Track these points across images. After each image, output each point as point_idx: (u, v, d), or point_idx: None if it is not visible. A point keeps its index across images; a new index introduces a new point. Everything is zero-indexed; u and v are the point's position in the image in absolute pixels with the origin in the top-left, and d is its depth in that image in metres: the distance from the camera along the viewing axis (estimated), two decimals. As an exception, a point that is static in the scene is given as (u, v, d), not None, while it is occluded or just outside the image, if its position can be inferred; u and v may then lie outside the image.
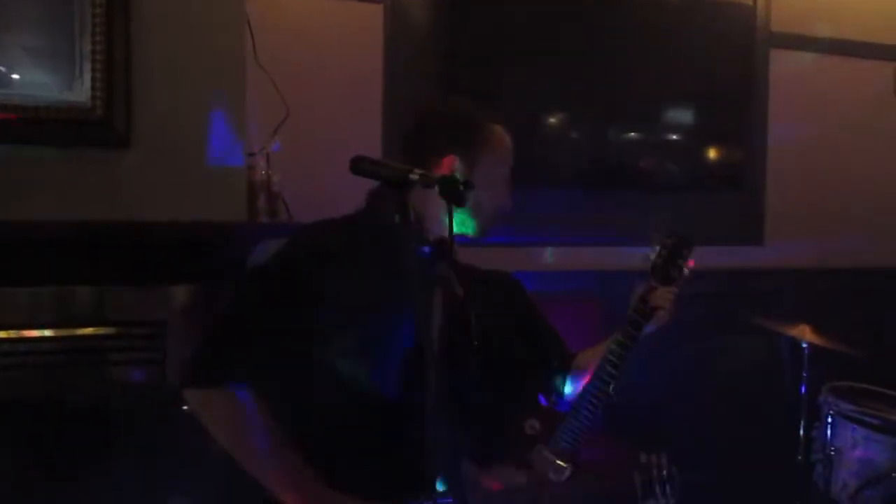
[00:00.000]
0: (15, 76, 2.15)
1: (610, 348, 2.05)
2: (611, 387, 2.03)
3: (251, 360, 1.60)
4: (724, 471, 3.03)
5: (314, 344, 1.62)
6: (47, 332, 2.29)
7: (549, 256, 3.33)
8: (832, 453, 2.80)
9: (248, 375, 1.59)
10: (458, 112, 1.85)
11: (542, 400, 2.31)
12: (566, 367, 2.27)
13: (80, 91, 2.21)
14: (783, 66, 3.61)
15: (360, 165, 1.42)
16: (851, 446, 2.77)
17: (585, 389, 2.06)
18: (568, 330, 3.06)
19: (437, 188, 1.39)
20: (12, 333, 2.27)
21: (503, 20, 3.24)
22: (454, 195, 1.40)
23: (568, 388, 2.26)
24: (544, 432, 2.04)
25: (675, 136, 3.61)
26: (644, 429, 2.72)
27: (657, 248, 2.11)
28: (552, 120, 3.48)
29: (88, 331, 2.32)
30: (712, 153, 3.68)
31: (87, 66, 2.21)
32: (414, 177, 1.38)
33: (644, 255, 2.12)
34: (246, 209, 2.44)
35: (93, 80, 2.22)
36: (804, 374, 2.90)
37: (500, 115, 1.86)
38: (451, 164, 1.79)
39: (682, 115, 3.62)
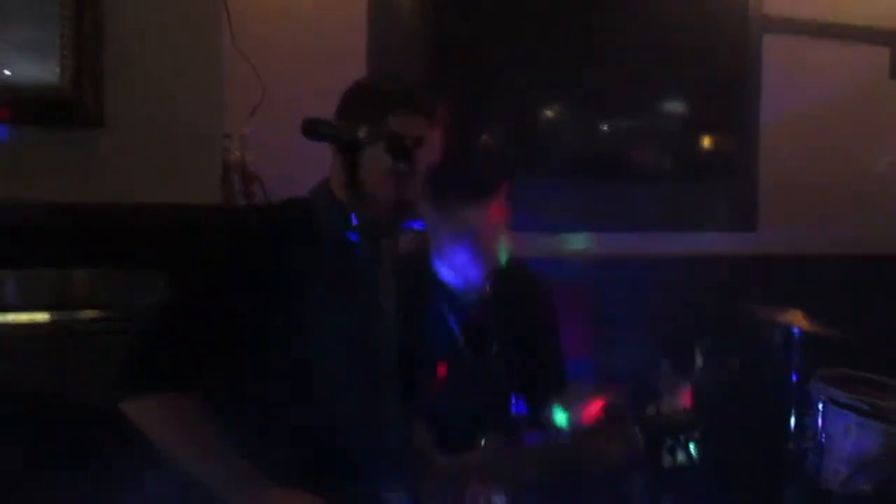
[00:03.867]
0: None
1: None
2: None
3: (179, 365, 1.55)
4: (713, 458, 2.98)
5: (246, 344, 1.58)
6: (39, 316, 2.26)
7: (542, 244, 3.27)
8: (823, 441, 2.75)
9: (178, 381, 1.55)
10: (357, 92, 1.70)
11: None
12: (555, 394, 2.10)
13: (50, 70, 2.17)
14: (776, 50, 3.55)
15: (313, 128, 1.36)
16: (843, 433, 2.71)
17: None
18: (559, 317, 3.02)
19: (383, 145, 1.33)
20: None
21: (492, 4, 3.19)
22: (399, 151, 1.33)
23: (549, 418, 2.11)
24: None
25: (666, 124, 3.56)
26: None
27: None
28: (542, 109, 3.43)
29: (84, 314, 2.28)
30: (705, 140, 3.62)
31: (57, 44, 2.17)
32: (362, 133, 1.32)
33: None
34: (220, 191, 2.39)
35: (62, 57, 2.17)
36: (795, 361, 2.84)
37: (427, 102, 1.68)
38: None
39: (674, 103, 3.57)
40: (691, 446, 1.85)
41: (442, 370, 1.99)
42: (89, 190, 2.24)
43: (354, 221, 1.64)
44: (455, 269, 2.04)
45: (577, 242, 3.26)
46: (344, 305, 1.67)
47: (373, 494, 1.58)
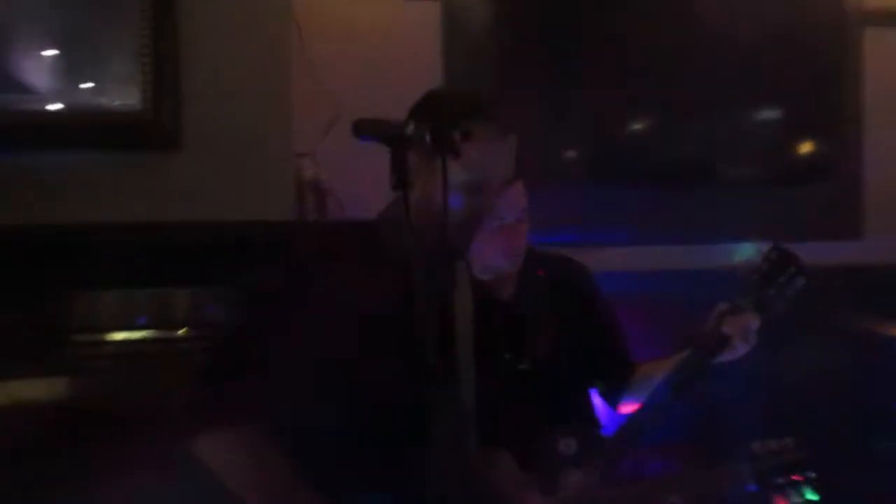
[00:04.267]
0: (64, 83, 2.20)
1: (668, 375, 1.86)
2: (657, 418, 1.84)
3: (260, 396, 1.49)
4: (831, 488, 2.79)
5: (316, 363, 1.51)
6: (136, 334, 2.34)
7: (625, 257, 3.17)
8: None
9: (248, 411, 1.49)
10: (428, 102, 1.66)
11: (599, 412, 2.16)
12: (624, 379, 2.09)
13: (131, 95, 2.25)
14: (879, 45, 3.33)
15: (360, 126, 1.32)
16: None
17: (633, 417, 1.90)
18: (645, 333, 2.91)
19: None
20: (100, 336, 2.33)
21: (563, 13, 3.13)
22: (445, 141, 1.29)
23: (621, 403, 2.10)
24: (580, 454, 1.84)
25: (758, 128, 3.39)
26: (717, 440, 2.54)
27: (758, 260, 1.86)
28: (624, 116, 3.33)
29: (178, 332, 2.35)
30: (800, 143, 3.43)
31: (137, 70, 2.25)
32: (409, 129, 1.27)
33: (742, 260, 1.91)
34: (295, 208, 2.43)
35: (142, 83, 2.25)
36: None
37: (494, 115, 1.62)
38: (424, 153, 1.53)
39: (766, 105, 3.40)
40: (807, 484, 1.73)
41: (496, 379, 1.91)
42: (169, 209, 2.31)
43: (422, 240, 1.58)
44: (492, 265, 1.95)
45: (666, 254, 3.13)
46: (412, 326, 1.59)
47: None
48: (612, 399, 2.10)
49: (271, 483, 1.48)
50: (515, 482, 1.73)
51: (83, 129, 2.21)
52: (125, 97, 2.25)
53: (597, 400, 2.12)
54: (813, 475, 1.72)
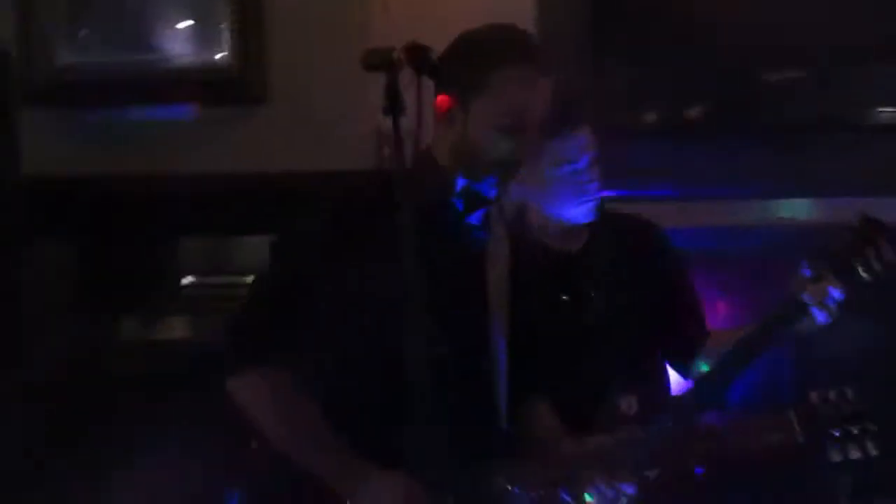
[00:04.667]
0: (155, 42, 2.39)
1: (740, 341, 1.74)
2: (723, 391, 1.76)
3: (287, 339, 1.52)
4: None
5: (344, 317, 1.53)
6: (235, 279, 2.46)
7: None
8: None
9: (280, 355, 1.51)
10: (464, 43, 1.56)
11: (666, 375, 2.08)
12: (695, 347, 1.99)
13: (218, 52, 2.40)
14: None
15: (363, 59, 1.31)
16: None
17: (700, 382, 1.82)
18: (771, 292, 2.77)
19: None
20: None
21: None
22: (421, 62, 1.28)
23: (692, 371, 1.99)
24: (641, 415, 1.75)
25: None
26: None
27: (846, 228, 1.70)
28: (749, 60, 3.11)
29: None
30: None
31: (224, 28, 2.40)
32: (396, 55, 1.27)
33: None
34: (374, 159, 2.50)
35: (230, 41, 2.40)
36: None
37: (533, 51, 1.55)
38: (444, 106, 1.52)
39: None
40: (864, 438, 1.62)
41: (559, 338, 1.88)
42: (254, 161, 2.46)
43: (458, 186, 1.57)
44: (568, 212, 1.95)
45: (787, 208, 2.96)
46: (448, 276, 1.57)
47: (477, 477, 1.53)
48: (683, 367, 2.02)
49: (296, 423, 1.50)
50: (553, 435, 1.71)
51: (177, 86, 2.39)
52: (215, 56, 2.40)
53: (666, 365, 2.06)
54: (873, 427, 1.60)
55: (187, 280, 2.70)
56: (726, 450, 1.64)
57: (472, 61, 1.51)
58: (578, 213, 1.94)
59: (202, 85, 2.40)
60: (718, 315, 2.62)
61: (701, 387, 1.80)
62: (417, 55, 1.29)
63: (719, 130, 3.10)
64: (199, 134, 2.46)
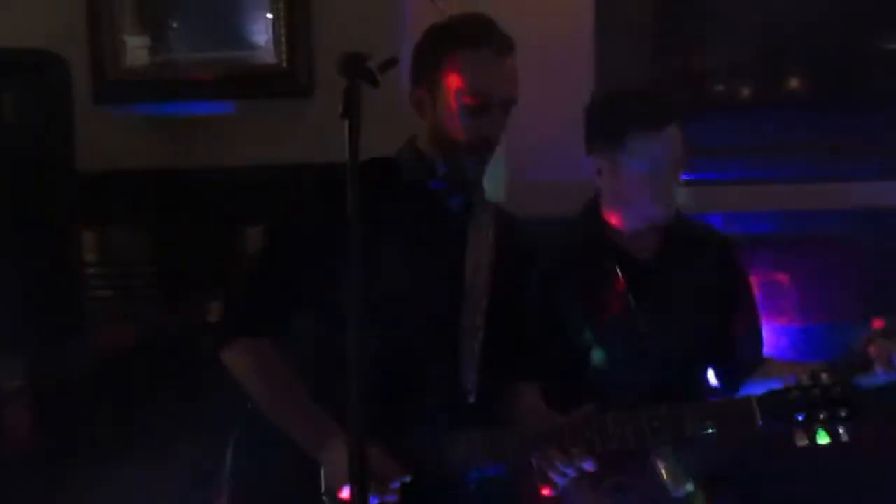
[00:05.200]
0: (206, 39, 2.51)
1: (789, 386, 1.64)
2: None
3: (273, 313, 1.64)
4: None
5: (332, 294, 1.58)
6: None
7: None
8: None
9: (271, 328, 1.64)
10: (429, 34, 1.69)
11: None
12: (746, 371, 1.96)
13: (265, 48, 2.50)
14: None
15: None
16: None
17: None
18: (818, 280, 2.66)
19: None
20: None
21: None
22: (360, 71, 1.31)
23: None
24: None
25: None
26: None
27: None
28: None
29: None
30: None
31: (271, 24, 2.49)
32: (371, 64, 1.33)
33: None
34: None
35: (276, 36, 2.49)
36: None
37: (494, 34, 1.64)
38: (417, 98, 1.69)
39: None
40: (834, 423, 1.54)
41: (606, 332, 1.91)
42: (301, 153, 2.55)
43: (440, 170, 1.68)
44: (630, 214, 1.94)
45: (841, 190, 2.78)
46: (432, 255, 1.68)
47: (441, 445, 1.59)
48: (730, 387, 1.98)
49: (275, 388, 1.62)
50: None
51: (226, 81, 2.51)
52: (263, 51, 2.50)
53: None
54: (843, 413, 1.51)
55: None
56: (683, 431, 1.59)
57: (435, 48, 1.65)
58: (654, 215, 1.91)
59: (249, 80, 2.51)
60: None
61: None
62: (351, 64, 1.33)
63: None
64: (252, 126, 2.58)
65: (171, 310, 2.76)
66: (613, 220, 1.96)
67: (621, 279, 1.92)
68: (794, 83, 3.01)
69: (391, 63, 1.37)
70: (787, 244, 2.70)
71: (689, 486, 1.73)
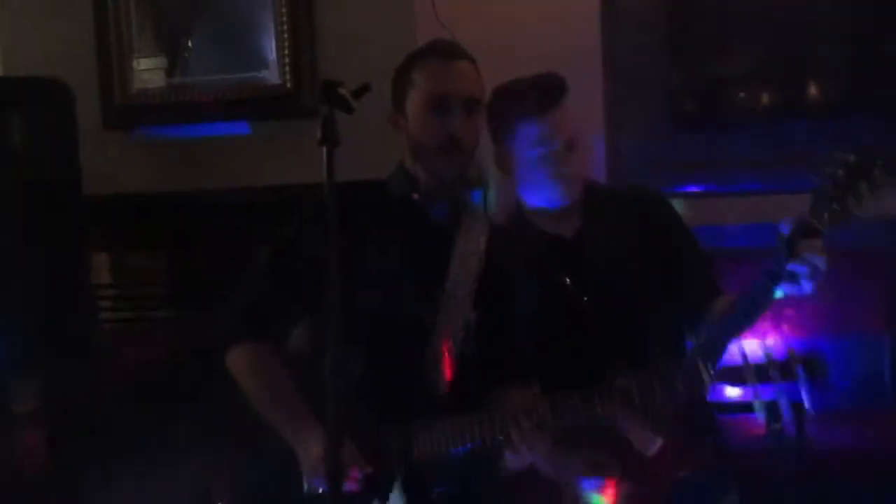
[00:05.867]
0: (211, 63, 2.53)
1: (734, 304, 1.65)
2: (715, 360, 1.65)
3: (271, 319, 1.74)
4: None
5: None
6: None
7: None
8: None
9: (269, 333, 1.74)
10: (399, 65, 1.81)
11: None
12: (700, 308, 1.87)
13: (271, 70, 2.52)
14: None
15: None
16: None
17: (695, 349, 1.73)
18: (854, 292, 2.58)
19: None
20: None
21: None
22: (333, 99, 1.35)
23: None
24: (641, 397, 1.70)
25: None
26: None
27: (830, 165, 1.49)
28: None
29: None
30: None
31: (277, 48, 2.51)
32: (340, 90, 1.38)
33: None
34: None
35: (280, 58, 2.51)
36: None
37: (441, 44, 1.80)
38: (393, 120, 1.82)
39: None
40: None
41: (559, 323, 1.91)
42: (310, 174, 2.55)
43: (421, 182, 1.78)
44: (536, 198, 1.96)
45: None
46: (414, 261, 1.75)
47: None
48: (691, 330, 1.93)
49: (270, 388, 1.71)
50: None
51: (237, 103, 2.53)
52: (268, 74, 2.52)
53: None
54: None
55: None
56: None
57: (400, 72, 1.81)
58: (553, 196, 1.93)
59: (255, 102, 2.52)
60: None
61: (697, 351, 1.70)
62: (326, 90, 1.38)
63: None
64: (258, 148, 2.59)
65: (187, 330, 2.79)
66: (529, 205, 1.98)
67: (551, 263, 1.93)
68: (816, 90, 2.94)
69: (363, 90, 1.39)
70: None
71: (658, 443, 1.72)
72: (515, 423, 1.59)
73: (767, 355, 1.52)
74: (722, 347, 1.64)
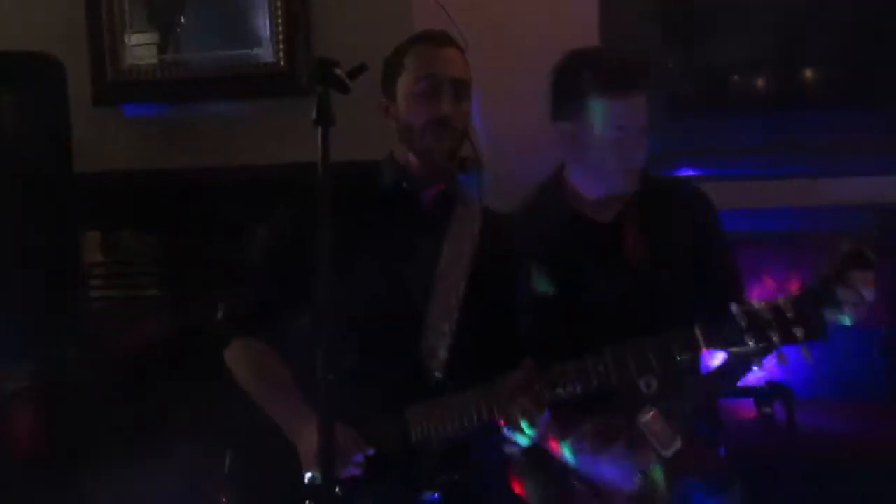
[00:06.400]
0: (205, 40, 2.50)
1: None
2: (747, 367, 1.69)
3: (269, 314, 1.75)
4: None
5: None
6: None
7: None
8: None
9: (267, 328, 1.75)
10: (392, 51, 1.82)
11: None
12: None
13: (264, 48, 2.48)
14: None
15: None
16: None
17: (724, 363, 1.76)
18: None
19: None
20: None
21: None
22: (328, 79, 1.34)
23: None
24: (661, 394, 1.69)
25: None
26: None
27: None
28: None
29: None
30: None
31: (271, 25, 2.48)
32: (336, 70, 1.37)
33: None
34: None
35: (275, 36, 2.48)
36: None
37: (433, 32, 1.80)
38: (383, 107, 1.81)
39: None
40: None
41: (574, 300, 1.87)
42: (303, 152, 2.52)
43: (413, 169, 1.78)
44: (593, 183, 1.88)
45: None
46: (406, 247, 1.76)
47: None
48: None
49: (268, 382, 1.71)
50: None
51: (228, 82, 2.49)
52: (261, 51, 2.49)
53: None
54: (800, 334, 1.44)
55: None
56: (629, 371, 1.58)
57: (391, 58, 1.82)
58: (618, 183, 1.86)
59: (249, 80, 2.49)
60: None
61: (722, 369, 1.75)
62: (321, 70, 1.36)
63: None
64: (251, 126, 2.56)
65: (179, 310, 2.77)
66: (578, 186, 1.91)
67: (581, 246, 1.88)
68: (812, 77, 2.93)
69: (360, 70, 1.37)
70: (804, 242, 2.64)
71: (678, 444, 1.68)
72: (512, 399, 1.57)
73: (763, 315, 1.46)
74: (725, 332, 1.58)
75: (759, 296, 1.98)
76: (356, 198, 1.74)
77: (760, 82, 2.96)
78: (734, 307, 1.48)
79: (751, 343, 1.45)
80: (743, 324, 1.46)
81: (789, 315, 1.44)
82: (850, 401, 2.51)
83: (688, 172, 2.80)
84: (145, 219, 2.69)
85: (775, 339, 1.44)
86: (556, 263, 1.85)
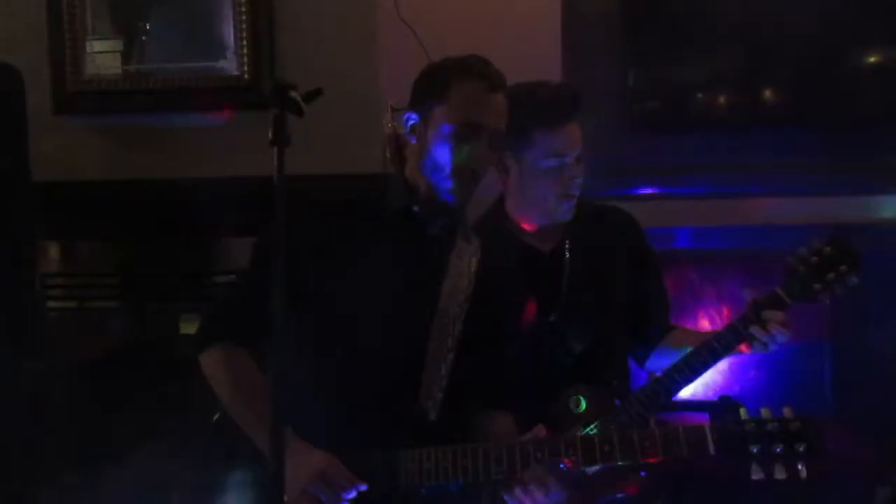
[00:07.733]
0: (168, 51, 2.49)
1: (692, 352, 1.79)
2: (676, 389, 1.79)
3: (250, 323, 1.66)
4: None
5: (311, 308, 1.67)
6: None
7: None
8: None
9: (248, 337, 1.68)
10: (428, 68, 1.75)
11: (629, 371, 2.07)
12: (656, 339, 2.01)
13: (229, 60, 2.49)
14: None
15: None
16: None
17: (654, 383, 1.82)
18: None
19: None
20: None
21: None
22: (283, 101, 1.33)
23: (650, 362, 2.04)
24: (590, 412, 1.82)
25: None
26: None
27: (807, 249, 1.74)
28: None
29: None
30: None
31: (236, 38, 2.48)
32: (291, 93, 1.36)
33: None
34: (382, 163, 2.53)
35: (239, 49, 2.48)
36: None
37: (487, 70, 1.69)
38: (409, 122, 1.74)
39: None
40: (792, 459, 1.52)
41: (520, 328, 1.94)
42: (263, 166, 2.52)
43: (421, 196, 1.73)
44: (535, 212, 1.96)
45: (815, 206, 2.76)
46: (407, 278, 1.71)
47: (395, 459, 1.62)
48: (640, 356, 2.04)
49: (245, 394, 1.65)
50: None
51: (191, 93, 2.49)
52: (226, 64, 2.49)
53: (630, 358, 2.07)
54: (801, 448, 1.50)
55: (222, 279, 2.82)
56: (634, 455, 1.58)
57: (434, 79, 1.72)
58: (556, 211, 1.93)
59: (214, 92, 2.49)
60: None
61: (658, 384, 1.81)
62: (278, 92, 1.36)
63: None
64: (213, 138, 2.56)
65: (137, 321, 2.75)
66: (519, 218, 1.98)
67: (526, 275, 1.94)
68: (772, 98, 2.99)
69: (315, 94, 1.38)
70: (757, 260, 2.70)
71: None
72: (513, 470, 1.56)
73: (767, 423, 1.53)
74: (677, 387, 1.79)
75: (704, 312, 2.12)
76: (360, 215, 1.71)
77: (719, 100, 3.02)
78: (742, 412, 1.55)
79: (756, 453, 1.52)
80: (750, 432, 1.53)
81: (791, 427, 1.52)
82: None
83: (643, 190, 2.87)
84: (104, 229, 2.67)
85: (779, 452, 1.51)
86: (503, 294, 1.87)
